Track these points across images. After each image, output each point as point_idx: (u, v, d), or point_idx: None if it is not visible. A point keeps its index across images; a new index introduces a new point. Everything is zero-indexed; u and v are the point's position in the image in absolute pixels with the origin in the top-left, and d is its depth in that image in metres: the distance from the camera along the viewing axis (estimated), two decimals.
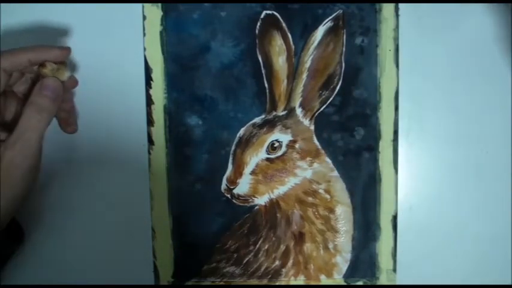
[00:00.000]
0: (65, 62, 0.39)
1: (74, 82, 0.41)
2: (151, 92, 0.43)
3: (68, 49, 0.39)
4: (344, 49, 0.43)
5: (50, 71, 0.38)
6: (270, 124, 0.43)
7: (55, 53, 0.38)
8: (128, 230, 0.44)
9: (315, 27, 0.43)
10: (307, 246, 0.44)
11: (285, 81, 0.43)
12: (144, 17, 0.43)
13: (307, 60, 0.43)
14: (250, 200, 0.44)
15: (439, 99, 0.44)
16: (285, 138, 0.43)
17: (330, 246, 0.44)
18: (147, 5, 0.43)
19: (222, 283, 0.44)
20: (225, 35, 0.43)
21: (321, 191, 0.44)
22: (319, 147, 0.44)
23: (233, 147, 0.43)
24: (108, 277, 0.44)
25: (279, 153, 0.43)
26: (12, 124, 0.39)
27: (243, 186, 0.44)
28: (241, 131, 0.43)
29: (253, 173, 0.43)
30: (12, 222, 0.40)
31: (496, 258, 0.45)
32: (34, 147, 0.37)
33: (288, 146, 0.43)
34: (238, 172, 0.43)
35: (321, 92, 0.43)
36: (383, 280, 0.44)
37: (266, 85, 0.43)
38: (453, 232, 0.44)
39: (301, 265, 0.44)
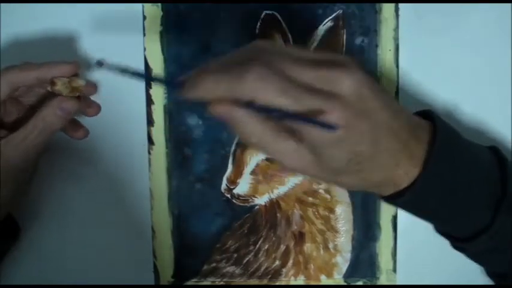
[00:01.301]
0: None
1: (93, 88, 0.39)
2: (151, 92, 0.43)
3: (76, 63, 0.38)
4: (344, 49, 0.43)
5: (62, 85, 0.37)
6: None
7: (63, 69, 0.37)
8: (128, 230, 0.44)
9: (315, 27, 0.43)
10: (307, 246, 0.44)
11: None
12: (144, 17, 0.43)
13: None
14: (250, 200, 0.44)
15: (439, 100, 0.44)
16: None
17: (330, 246, 0.44)
18: (147, 5, 0.43)
19: (222, 283, 0.44)
20: (225, 35, 0.43)
21: (321, 190, 0.44)
22: None
23: (233, 147, 0.43)
24: (108, 277, 0.44)
25: None
26: (12, 124, 0.39)
27: (243, 186, 0.43)
28: None
29: (253, 173, 0.43)
30: (7, 218, 0.41)
31: None
32: (36, 149, 0.37)
33: None
34: (238, 172, 0.43)
35: None
36: (383, 280, 0.44)
37: None
38: None
39: (301, 265, 0.44)
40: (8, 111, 0.39)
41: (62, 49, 0.42)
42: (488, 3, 0.43)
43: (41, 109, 0.37)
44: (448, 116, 0.44)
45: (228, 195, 0.44)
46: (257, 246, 0.44)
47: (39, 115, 0.37)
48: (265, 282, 0.44)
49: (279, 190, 0.44)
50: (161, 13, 0.43)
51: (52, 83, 0.37)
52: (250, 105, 0.27)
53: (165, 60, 0.43)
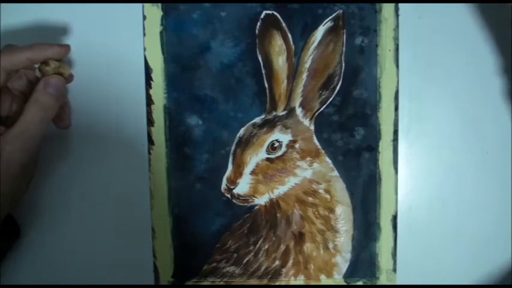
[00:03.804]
0: (64, 59, 0.39)
1: (71, 78, 0.41)
2: (151, 92, 0.43)
3: (68, 46, 0.39)
4: (344, 49, 0.43)
5: (53, 69, 0.38)
6: (270, 124, 0.43)
7: (55, 51, 0.38)
8: (128, 230, 0.44)
9: (315, 27, 0.43)
10: (307, 246, 0.44)
11: (285, 81, 0.43)
12: (144, 17, 0.43)
13: (307, 60, 0.43)
14: (250, 200, 0.44)
15: (439, 99, 0.44)
16: (285, 138, 0.43)
17: (330, 246, 0.44)
18: (147, 5, 0.43)
19: (222, 283, 0.44)
20: (225, 35, 0.43)
21: (321, 191, 0.44)
22: (319, 147, 0.44)
23: (233, 147, 0.43)
24: (108, 277, 0.44)
25: (279, 153, 0.43)
26: (7, 119, 0.39)
27: (243, 186, 0.44)
28: (241, 131, 0.43)
29: (253, 173, 0.43)
30: (7, 218, 0.40)
31: (496, 258, 0.45)
32: (35, 144, 0.37)
33: (288, 146, 0.43)
34: (238, 172, 0.43)
35: (321, 92, 0.43)
36: (383, 280, 0.44)
37: (266, 85, 0.43)
38: (453, 232, 0.44)
39: (301, 265, 0.44)
40: (2, 100, 0.39)
41: None
42: (488, 3, 0.43)
43: (33, 94, 0.37)
44: (448, 116, 0.44)
45: (228, 195, 0.44)
46: (257, 246, 0.44)
47: (32, 100, 0.37)
48: (265, 282, 0.44)
49: (279, 190, 0.44)
50: (161, 13, 0.43)
51: (45, 63, 0.38)
52: None
53: (165, 60, 0.43)
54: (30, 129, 0.37)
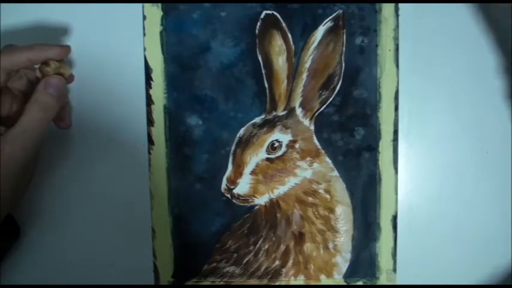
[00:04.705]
0: (64, 59, 0.39)
1: (71, 78, 0.41)
2: (151, 92, 0.43)
3: (68, 47, 0.39)
4: (344, 49, 0.43)
5: (53, 69, 0.38)
6: (270, 124, 0.43)
7: (55, 52, 0.38)
8: (128, 230, 0.44)
9: (315, 27, 0.43)
10: (307, 246, 0.44)
11: (285, 81, 0.43)
12: (144, 17, 0.43)
13: (307, 60, 0.43)
14: (250, 200, 0.44)
15: (439, 99, 0.44)
16: (285, 138, 0.43)
17: (330, 246, 0.44)
18: (147, 5, 0.43)
19: (222, 283, 0.44)
20: (225, 35, 0.43)
21: (321, 191, 0.44)
22: (319, 147, 0.44)
23: (233, 147, 0.43)
24: (108, 277, 0.44)
25: (279, 153, 0.43)
26: (7, 120, 0.39)
27: (243, 186, 0.44)
28: (241, 131, 0.43)
29: (253, 173, 0.43)
30: (7, 218, 0.40)
31: (496, 259, 0.45)
32: (35, 144, 0.37)
33: (288, 146, 0.43)
34: (238, 172, 0.43)
35: (321, 92, 0.43)
36: (383, 280, 0.44)
37: (266, 85, 0.43)
38: (453, 232, 0.44)
39: (301, 265, 0.44)
40: (2, 100, 0.39)
41: None
42: (489, 3, 0.43)
43: (33, 94, 0.37)
44: (448, 116, 0.44)
45: (228, 195, 0.44)
46: (257, 246, 0.44)
47: (32, 100, 0.37)
48: (265, 282, 0.44)
49: (279, 190, 0.44)
50: (161, 13, 0.43)
51: (46, 63, 0.38)
52: None
53: (165, 60, 0.43)
54: (30, 129, 0.37)
